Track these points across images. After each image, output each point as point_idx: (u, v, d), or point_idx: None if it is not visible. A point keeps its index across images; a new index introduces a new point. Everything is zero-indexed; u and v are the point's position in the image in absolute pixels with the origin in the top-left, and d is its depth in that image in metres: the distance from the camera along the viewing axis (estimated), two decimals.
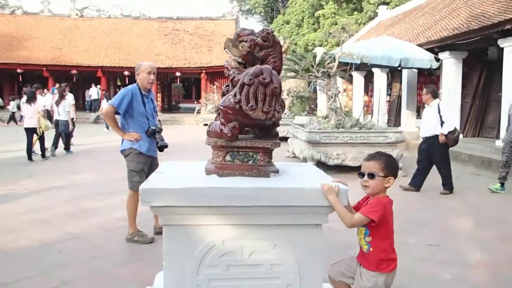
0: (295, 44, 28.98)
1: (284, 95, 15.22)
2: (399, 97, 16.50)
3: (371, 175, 2.17)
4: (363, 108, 19.45)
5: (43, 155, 9.99)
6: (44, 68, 24.40)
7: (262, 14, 47.89)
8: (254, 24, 48.54)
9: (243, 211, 2.05)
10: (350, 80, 19.61)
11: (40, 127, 9.79)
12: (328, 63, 9.71)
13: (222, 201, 1.99)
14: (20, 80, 25.58)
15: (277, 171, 2.29)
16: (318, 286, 2.16)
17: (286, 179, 2.20)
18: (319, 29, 26.98)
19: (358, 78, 18.56)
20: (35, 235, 4.53)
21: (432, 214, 5.62)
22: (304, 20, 30.95)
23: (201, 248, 2.07)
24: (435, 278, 3.60)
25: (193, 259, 2.07)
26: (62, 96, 10.88)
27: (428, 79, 15.75)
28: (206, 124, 22.75)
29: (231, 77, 2.29)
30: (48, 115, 11.64)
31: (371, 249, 2.23)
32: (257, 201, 2.01)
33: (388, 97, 18.16)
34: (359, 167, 7.47)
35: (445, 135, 6.63)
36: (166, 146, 4.43)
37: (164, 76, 27.48)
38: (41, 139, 10.00)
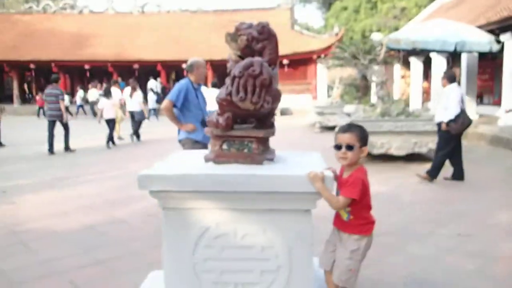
0: (352, 30, 28.32)
1: (336, 83, 15.02)
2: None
3: (350, 147, 2.25)
4: (423, 94, 18.74)
5: (108, 143, 10.96)
6: (109, 64, 25.81)
7: (320, 1, 47.17)
8: (313, 11, 47.90)
9: (235, 197, 2.18)
10: (409, 66, 18.93)
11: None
12: (379, 50, 9.52)
13: (212, 186, 2.14)
14: (88, 75, 27.23)
15: (272, 159, 2.39)
16: (307, 268, 2.25)
17: (278, 167, 2.30)
18: (377, 14, 26.13)
19: (416, 63, 17.85)
20: (82, 218, 4.97)
21: (472, 206, 5.40)
22: (361, 6, 30.13)
23: (197, 230, 2.23)
24: (456, 269, 3.52)
25: (190, 240, 2.24)
26: (134, 89, 12.39)
27: (491, 63, 14.83)
28: None
29: (229, 70, 2.41)
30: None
31: (351, 217, 2.33)
32: (246, 187, 2.14)
33: None
34: (404, 157, 7.31)
35: (446, 123, 6.36)
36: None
37: (221, 68, 27.99)
38: (113, 129, 11.22)
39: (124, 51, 26.41)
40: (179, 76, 27.38)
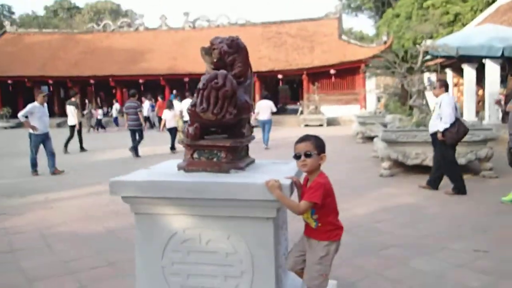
0: (403, 38, 27.60)
1: (378, 93, 14.71)
2: None
3: (308, 155, 2.31)
4: (478, 103, 17.88)
5: (172, 149, 12.46)
6: (161, 77, 26.93)
7: (373, 9, 46.44)
8: (364, 20, 47.30)
9: (199, 203, 2.29)
10: (462, 73, 18.13)
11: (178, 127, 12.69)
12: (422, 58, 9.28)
13: (176, 193, 2.27)
14: (142, 89, 28.54)
15: (242, 168, 2.47)
16: (270, 274, 2.30)
17: (242, 175, 2.38)
18: (428, 21, 25.29)
19: (469, 71, 17.05)
20: (105, 223, 5.27)
21: (493, 220, 5.13)
22: (413, 12, 29.28)
23: (166, 235, 2.36)
24: (458, 285, 3.38)
25: (159, 244, 2.37)
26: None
27: None
28: (307, 125, 22.92)
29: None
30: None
31: (319, 224, 2.37)
32: (206, 194, 2.24)
33: (504, 90, 16.39)
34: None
35: (441, 132, 6.20)
36: None
37: (269, 79, 28.31)
38: (175, 136, 12.56)
39: (176, 65, 27.45)
40: None
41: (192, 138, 2.42)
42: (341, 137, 15.94)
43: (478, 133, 7.73)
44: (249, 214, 2.28)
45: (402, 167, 8.28)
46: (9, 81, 28.00)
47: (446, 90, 6.51)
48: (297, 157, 2.35)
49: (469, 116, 15.88)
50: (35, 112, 8.89)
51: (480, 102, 18.17)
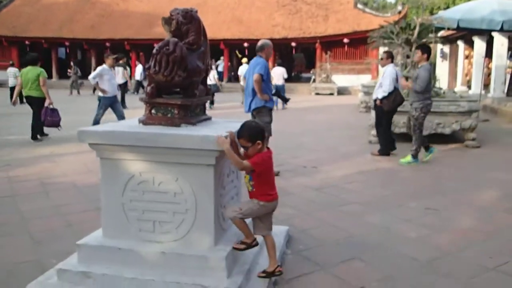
0: (419, 7, 27.02)
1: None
2: None
3: (246, 148, 2.68)
4: (488, 76, 17.74)
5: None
6: None
7: None
8: None
9: (152, 151, 2.71)
10: (473, 45, 17.94)
11: None
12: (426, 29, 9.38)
13: (129, 141, 2.69)
14: None
15: (193, 123, 2.88)
16: (210, 212, 2.73)
17: (190, 129, 2.79)
18: None
19: (479, 43, 16.89)
20: None
21: (459, 185, 5.49)
22: None
23: (125, 177, 2.81)
24: (397, 236, 3.80)
25: (119, 184, 2.82)
26: (210, 67, 14.67)
27: None
28: (318, 94, 23.08)
29: None
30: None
31: (254, 189, 2.75)
32: (155, 143, 2.66)
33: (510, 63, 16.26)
34: (426, 136, 7.42)
35: (380, 100, 6.88)
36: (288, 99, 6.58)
37: (283, 47, 28.26)
38: None
39: None
40: (248, 53, 28.00)
41: (149, 97, 2.83)
42: (348, 106, 16.19)
43: (463, 104, 7.95)
44: (193, 161, 2.69)
45: (395, 135, 8.58)
46: (27, 42, 28.60)
47: (392, 61, 7.11)
48: (243, 147, 2.73)
49: (475, 89, 15.87)
50: (105, 74, 8.69)
51: (490, 75, 18.03)
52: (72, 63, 23.21)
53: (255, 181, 2.73)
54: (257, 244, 2.81)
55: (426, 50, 6.57)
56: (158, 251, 2.74)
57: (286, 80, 16.27)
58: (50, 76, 22.50)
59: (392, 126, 8.30)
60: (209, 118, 3.20)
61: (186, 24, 2.87)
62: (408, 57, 9.43)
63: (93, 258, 2.82)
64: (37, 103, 8.36)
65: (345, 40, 24.32)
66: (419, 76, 6.37)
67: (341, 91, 22.80)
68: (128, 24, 28.65)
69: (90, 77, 8.90)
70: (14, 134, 9.24)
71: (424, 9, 12.02)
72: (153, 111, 2.89)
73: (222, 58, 27.39)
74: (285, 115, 13.46)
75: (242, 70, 16.63)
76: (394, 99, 6.89)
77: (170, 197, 2.76)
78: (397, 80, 6.90)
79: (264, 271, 2.81)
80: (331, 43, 24.89)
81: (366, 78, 23.38)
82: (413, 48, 9.21)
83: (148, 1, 31.30)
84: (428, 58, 6.60)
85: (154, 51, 2.70)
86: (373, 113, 9.83)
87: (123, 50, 29.52)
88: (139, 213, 2.82)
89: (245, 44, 26.16)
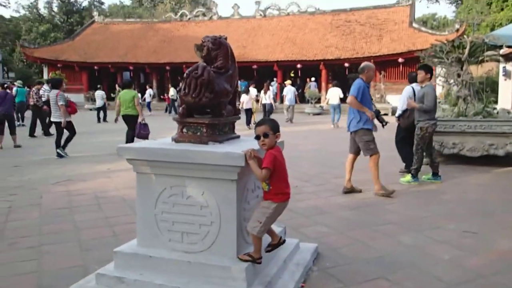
0: (479, 24, 26.07)
1: (437, 81, 14.29)
2: None
3: (266, 135, 2.84)
4: None
5: (247, 125, 15.34)
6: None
7: None
8: (444, 6, 44.72)
9: (181, 166, 2.95)
10: None
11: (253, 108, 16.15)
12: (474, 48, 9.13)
13: (162, 157, 2.95)
14: None
15: (220, 141, 3.09)
16: (232, 224, 2.90)
17: (216, 147, 3.00)
18: (507, 8, 23.70)
19: None
20: None
21: (504, 206, 5.26)
22: None
23: (158, 190, 3.06)
24: (431, 257, 3.74)
25: (152, 196, 3.07)
26: (267, 88, 17.60)
27: None
28: None
29: None
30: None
31: (271, 187, 2.88)
32: (183, 159, 2.89)
33: None
34: (478, 158, 7.37)
35: (397, 117, 7.34)
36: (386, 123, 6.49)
37: (336, 67, 28.26)
38: (251, 115, 15.90)
39: (246, 53, 28.39)
40: (301, 74, 28.27)
41: (181, 116, 3.08)
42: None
43: None
44: (217, 176, 2.89)
45: (444, 156, 8.36)
46: (96, 67, 30.77)
47: (411, 82, 7.44)
48: (257, 137, 2.90)
49: None
50: None
51: None
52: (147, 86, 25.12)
53: (271, 179, 2.85)
54: (260, 263, 2.91)
55: (429, 70, 6.77)
56: (184, 260, 2.95)
57: (341, 100, 16.58)
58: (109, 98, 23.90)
59: (441, 147, 8.10)
60: (237, 137, 3.40)
61: (215, 50, 3.12)
62: (459, 76, 9.18)
63: (127, 264, 3.07)
64: (132, 120, 9.53)
65: (400, 60, 23.93)
66: (426, 95, 6.45)
67: (396, 111, 22.30)
68: (186, 48, 29.99)
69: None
70: (79, 152, 9.99)
71: (476, 27, 11.67)
72: (184, 129, 3.14)
73: (275, 79, 27.81)
74: (335, 135, 13.46)
75: (286, 91, 18.09)
76: (408, 115, 7.16)
77: (197, 210, 2.97)
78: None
79: (249, 254, 2.90)
80: (385, 62, 24.58)
81: None
82: (464, 67, 9.00)
83: (206, 26, 32.68)
84: (431, 78, 6.80)
85: (185, 75, 2.97)
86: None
87: (182, 73, 30.92)
88: (169, 224, 3.05)
89: (298, 66, 26.51)
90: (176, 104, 24.02)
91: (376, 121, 6.05)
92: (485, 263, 3.61)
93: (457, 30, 22.12)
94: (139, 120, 9.32)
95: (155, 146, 3.04)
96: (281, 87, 29.47)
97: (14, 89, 18.17)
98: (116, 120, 10.20)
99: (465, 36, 9.51)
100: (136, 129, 9.24)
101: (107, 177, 7.25)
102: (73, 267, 3.59)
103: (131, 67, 31.02)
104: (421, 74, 6.67)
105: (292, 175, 7.07)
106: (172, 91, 24.63)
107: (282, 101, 27.81)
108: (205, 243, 2.96)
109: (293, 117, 18.41)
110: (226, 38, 3.26)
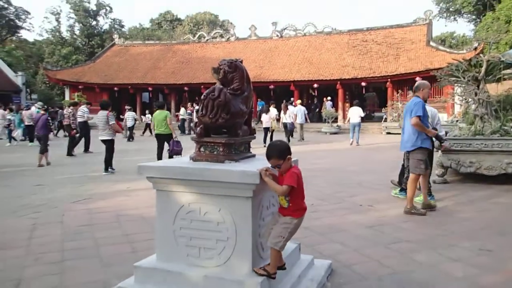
0: (498, 42, 25.93)
1: (455, 100, 14.26)
2: None
3: (278, 166, 2.96)
4: None
5: (264, 142, 15.45)
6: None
7: (473, 12, 43.74)
8: (462, 24, 44.77)
9: (198, 184, 3.08)
10: None
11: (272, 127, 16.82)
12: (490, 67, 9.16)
13: (180, 175, 3.09)
14: None
15: (236, 160, 3.22)
16: (248, 240, 3.01)
17: (232, 165, 3.12)
18: None
19: None
20: None
21: None
22: None
23: (176, 206, 3.19)
24: (444, 274, 3.76)
25: (171, 213, 3.21)
26: (286, 108, 18.27)
27: None
28: (389, 133, 22.69)
29: None
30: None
31: (290, 204, 3.00)
32: (200, 177, 3.03)
33: None
34: (495, 177, 7.41)
35: None
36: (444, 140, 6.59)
37: (354, 86, 28.36)
38: (267, 134, 16.59)
39: (263, 73, 28.77)
40: (318, 94, 28.46)
41: (198, 136, 3.23)
42: None
43: None
44: (233, 194, 3.02)
45: (461, 175, 8.33)
46: (115, 88, 31.51)
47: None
48: (273, 167, 3.03)
49: None
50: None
51: None
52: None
53: (291, 196, 2.97)
54: (275, 278, 3.00)
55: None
56: (202, 275, 3.05)
57: (362, 119, 17.25)
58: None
59: (458, 165, 8.08)
60: (253, 156, 3.53)
61: (232, 72, 3.28)
62: (476, 94, 9.19)
63: (147, 278, 3.19)
64: (163, 138, 10.55)
65: (417, 79, 23.75)
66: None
67: None
68: (204, 69, 30.55)
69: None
70: (98, 171, 10.25)
71: (494, 45, 11.67)
72: (201, 149, 3.29)
73: (292, 99, 28.02)
74: (352, 154, 13.49)
75: (296, 110, 18.83)
76: None
77: (214, 226, 3.09)
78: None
79: (264, 268, 2.99)
80: (403, 81, 24.60)
81: (441, 117, 22.61)
82: (481, 86, 9.02)
83: (224, 47, 33.31)
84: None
85: (202, 97, 3.13)
86: (439, 152, 9.64)
87: (200, 93, 31.41)
88: (187, 239, 3.17)
89: (315, 85, 26.69)
90: (185, 124, 24.32)
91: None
92: (500, 281, 3.62)
93: (475, 49, 22.06)
94: (173, 137, 10.24)
95: (174, 165, 3.19)
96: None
97: (34, 110, 18.83)
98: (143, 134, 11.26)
99: (481, 55, 9.51)
100: (170, 145, 10.04)
101: (126, 196, 7.43)
102: (94, 282, 3.73)
103: (150, 88, 31.70)
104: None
105: (309, 194, 7.16)
106: (182, 111, 24.96)
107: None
108: (222, 258, 3.07)
109: (303, 135, 19.36)
110: (242, 61, 3.41)
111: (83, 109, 14.66)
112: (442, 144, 6.74)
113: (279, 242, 2.95)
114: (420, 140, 5.86)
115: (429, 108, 7.14)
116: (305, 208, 3.08)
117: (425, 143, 5.91)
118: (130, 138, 20.00)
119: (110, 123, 10.04)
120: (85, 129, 14.39)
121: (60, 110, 22.31)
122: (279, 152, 2.97)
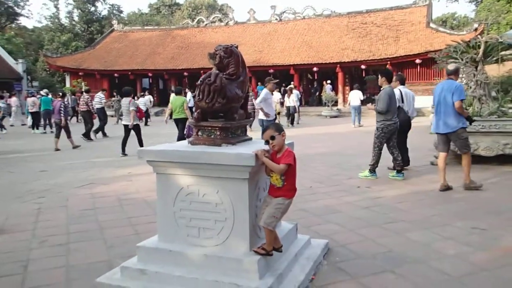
0: (499, 23, 25.75)
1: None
2: None
3: (272, 137, 3.06)
4: None
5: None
6: (247, 69, 28.33)
7: None
8: (463, 5, 44.19)
9: (196, 167, 3.19)
10: None
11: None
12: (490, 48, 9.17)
13: (178, 158, 3.19)
14: None
15: (232, 143, 3.32)
16: (245, 220, 3.13)
17: (229, 148, 3.23)
18: None
19: None
20: None
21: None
22: None
23: (176, 189, 3.30)
24: (437, 252, 3.89)
25: (171, 195, 3.32)
26: (290, 92, 18.80)
27: None
28: None
29: None
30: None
31: (285, 183, 3.10)
32: (198, 160, 3.13)
33: None
34: (493, 158, 7.47)
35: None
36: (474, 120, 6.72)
37: (353, 70, 28.27)
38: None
39: (262, 57, 28.69)
40: (318, 77, 28.43)
41: (196, 121, 3.33)
42: (418, 127, 15.75)
43: None
44: (230, 176, 3.12)
45: (459, 156, 8.40)
46: (116, 74, 31.49)
47: (389, 82, 7.32)
48: (266, 142, 3.12)
49: None
50: (268, 98, 9.21)
51: None
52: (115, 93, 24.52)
53: (286, 175, 3.08)
54: (272, 254, 3.13)
55: (386, 74, 7.21)
56: (201, 254, 3.18)
57: (362, 102, 17.46)
58: None
59: (472, 149, 8.13)
60: (249, 139, 3.63)
61: (227, 58, 3.36)
62: (474, 76, 9.22)
63: (149, 258, 3.32)
64: (182, 122, 10.86)
65: (417, 61, 23.84)
66: (379, 99, 6.95)
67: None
68: (204, 54, 30.38)
69: (257, 101, 9.61)
70: (103, 156, 10.39)
71: (495, 26, 11.65)
72: (199, 133, 3.39)
73: (292, 83, 27.99)
74: (351, 137, 13.57)
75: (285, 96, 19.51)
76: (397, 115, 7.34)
77: (212, 207, 3.20)
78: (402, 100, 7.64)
79: (262, 247, 3.11)
80: (403, 64, 24.53)
81: None
82: (479, 67, 9.05)
83: (223, 31, 33.13)
84: (389, 82, 7.16)
85: (199, 82, 3.21)
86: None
87: (199, 78, 31.38)
88: (187, 220, 3.29)
89: (315, 69, 26.64)
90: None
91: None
92: (491, 258, 3.74)
93: (476, 30, 21.92)
94: (188, 122, 10.21)
95: (172, 149, 3.29)
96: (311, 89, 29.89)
97: (38, 97, 18.89)
98: (166, 121, 11.57)
99: (479, 36, 9.52)
100: (185, 130, 10.33)
101: (128, 181, 7.56)
102: (99, 262, 3.87)
103: (150, 74, 31.65)
104: (379, 79, 7.21)
105: (307, 176, 7.33)
106: (189, 95, 24.98)
107: (305, 103, 28.17)
108: (220, 238, 3.19)
109: (299, 118, 20.18)
110: (237, 47, 3.48)
111: (99, 95, 15.64)
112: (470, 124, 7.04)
113: (272, 222, 3.06)
114: (462, 122, 6.23)
115: (407, 91, 7.74)
116: (296, 189, 3.18)
117: (465, 123, 6.32)
118: (146, 122, 20.53)
119: (130, 109, 10.52)
120: (102, 115, 15.19)
121: (73, 96, 22.55)
122: (276, 126, 3.13)
